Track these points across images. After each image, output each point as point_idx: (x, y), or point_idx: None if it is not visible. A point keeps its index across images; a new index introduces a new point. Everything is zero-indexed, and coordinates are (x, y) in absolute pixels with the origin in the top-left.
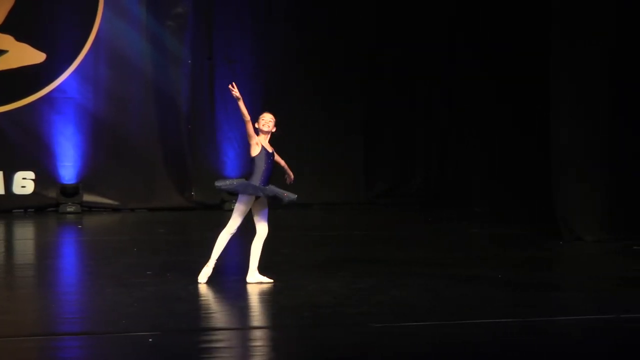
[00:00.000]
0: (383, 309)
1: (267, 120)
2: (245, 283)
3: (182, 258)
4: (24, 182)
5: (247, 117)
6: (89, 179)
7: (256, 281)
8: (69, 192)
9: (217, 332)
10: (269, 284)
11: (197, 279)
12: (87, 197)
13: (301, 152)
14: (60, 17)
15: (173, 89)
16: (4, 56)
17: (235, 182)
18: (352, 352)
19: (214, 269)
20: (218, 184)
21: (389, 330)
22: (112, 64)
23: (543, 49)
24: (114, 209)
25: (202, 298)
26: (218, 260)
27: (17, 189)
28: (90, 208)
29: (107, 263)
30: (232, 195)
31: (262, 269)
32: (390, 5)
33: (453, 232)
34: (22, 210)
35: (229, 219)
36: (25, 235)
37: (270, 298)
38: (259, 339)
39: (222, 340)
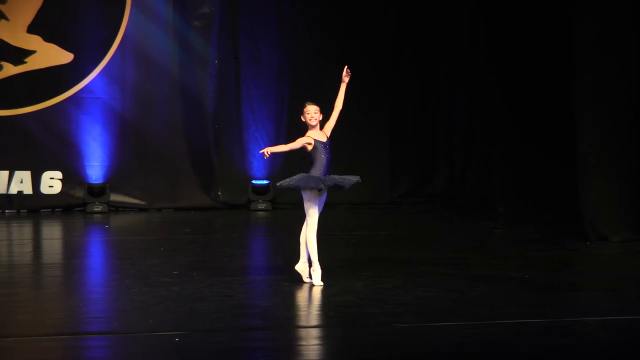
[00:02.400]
0: (406, 308)
1: (313, 113)
2: (271, 283)
3: (208, 258)
4: (52, 182)
5: (288, 147)
6: (116, 178)
7: (300, 270)
8: (96, 192)
9: (243, 332)
10: (300, 283)
11: (225, 279)
12: (114, 197)
13: None
14: (87, 18)
15: (199, 88)
16: (32, 56)
17: (295, 178)
18: (375, 352)
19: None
20: (279, 183)
21: (412, 330)
22: (139, 64)
23: (568, 49)
24: (141, 209)
25: (228, 298)
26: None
27: (44, 189)
28: (117, 208)
29: (133, 263)
30: (259, 196)
31: (285, 268)
32: (413, 5)
33: (476, 231)
34: (49, 209)
35: (307, 218)
36: (52, 234)
37: (294, 298)
38: (284, 339)
39: (248, 340)
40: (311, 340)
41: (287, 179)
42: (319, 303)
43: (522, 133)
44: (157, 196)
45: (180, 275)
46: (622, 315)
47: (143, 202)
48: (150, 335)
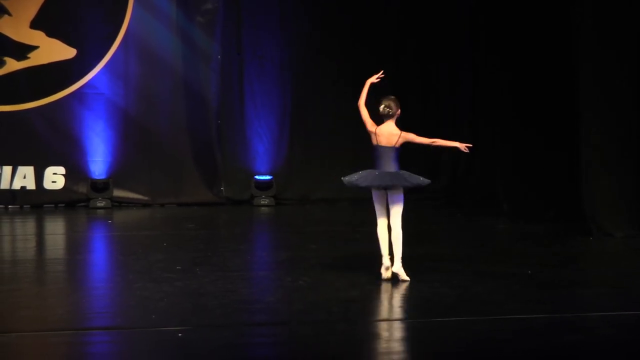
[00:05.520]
0: (410, 304)
1: (381, 107)
2: (274, 278)
3: (211, 253)
4: (55, 178)
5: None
6: (119, 174)
7: (396, 271)
8: (99, 188)
9: (246, 327)
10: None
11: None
12: (117, 193)
13: (329, 147)
14: (90, 13)
15: (202, 84)
16: (35, 52)
17: (355, 175)
18: (379, 347)
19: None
20: (344, 179)
21: (415, 326)
22: (142, 59)
23: (569, 49)
24: (144, 204)
25: (231, 293)
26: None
27: (47, 184)
28: (120, 203)
29: (136, 258)
30: (262, 191)
31: (291, 264)
32: (413, 5)
33: (480, 228)
34: (52, 205)
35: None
36: (55, 230)
37: (298, 293)
38: (289, 334)
39: (252, 336)
40: (315, 336)
41: (351, 176)
42: (323, 298)
43: (525, 132)
44: (160, 192)
45: (183, 270)
46: (628, 311)
47: (146, 198)
48: (153, 331)
